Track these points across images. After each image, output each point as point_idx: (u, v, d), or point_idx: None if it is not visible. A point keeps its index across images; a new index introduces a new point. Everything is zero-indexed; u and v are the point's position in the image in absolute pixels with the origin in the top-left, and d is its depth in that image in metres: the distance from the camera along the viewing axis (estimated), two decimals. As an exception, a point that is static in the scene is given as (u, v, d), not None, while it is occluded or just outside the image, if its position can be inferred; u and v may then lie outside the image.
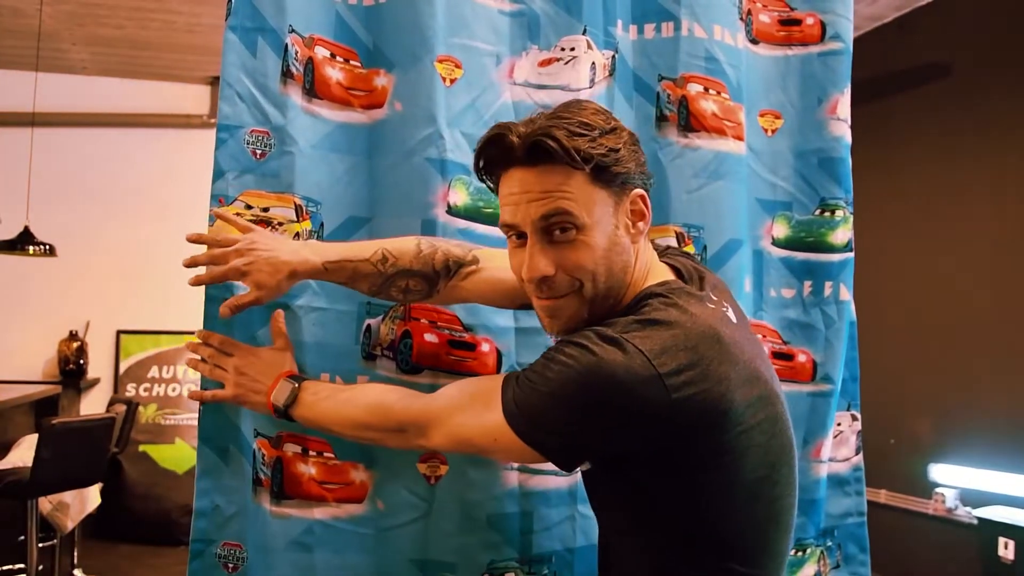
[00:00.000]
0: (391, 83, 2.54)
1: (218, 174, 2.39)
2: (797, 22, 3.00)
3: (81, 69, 9.12)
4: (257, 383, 2.23)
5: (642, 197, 1.88)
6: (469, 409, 1.90)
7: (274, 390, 2.19)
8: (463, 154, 2.50)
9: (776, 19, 3.01)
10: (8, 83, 8.86)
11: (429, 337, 2.45)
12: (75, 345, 8.90)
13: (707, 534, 1.79)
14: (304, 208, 2.41)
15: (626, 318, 1.76)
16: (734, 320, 1.87)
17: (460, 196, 2.51)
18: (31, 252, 7.58)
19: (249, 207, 2.38)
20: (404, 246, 2.26)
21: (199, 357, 2.33)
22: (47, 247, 7.61)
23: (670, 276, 1.95)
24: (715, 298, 1.89)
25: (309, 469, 2.39)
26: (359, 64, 2.56)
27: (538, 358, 1.81)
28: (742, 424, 1.71)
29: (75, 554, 6.95)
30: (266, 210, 2.40)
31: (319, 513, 2.38)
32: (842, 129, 2.96)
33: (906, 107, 7.21)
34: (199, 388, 2.34)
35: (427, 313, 2.48)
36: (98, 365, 9.22)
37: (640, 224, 1.89)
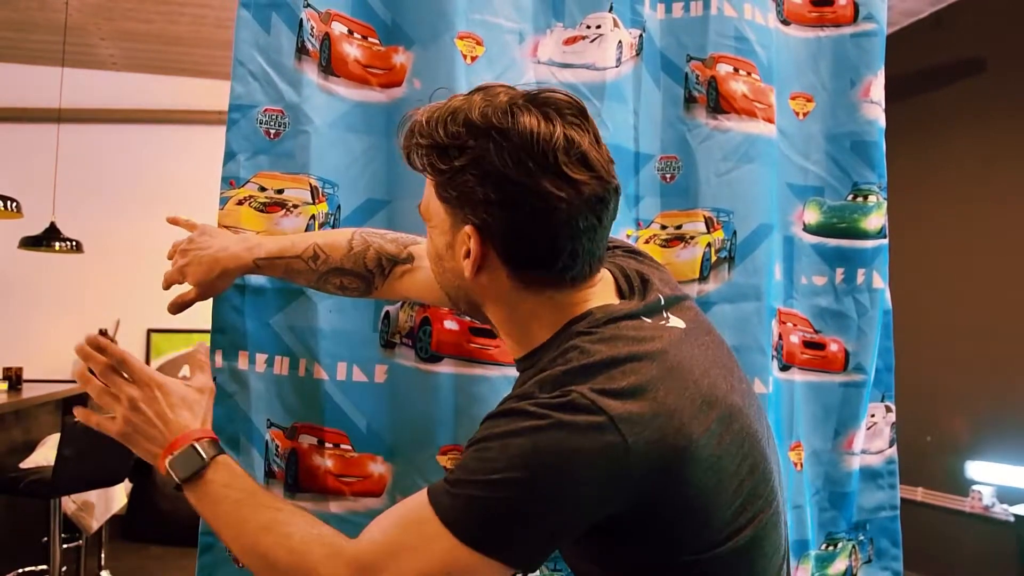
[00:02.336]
0: (410, 61, 2.49)
1: (229, 156, 2.35)
2: (829, 2, 2.94)
3: (110, 65, 9.13)
4: (154, 428, 1.81)
5: (471, 235, 1.61)
6: (408, 546, 1.51)
7: (174, 452, 1.77)
8: None
9: (808, 0, 2.94)
10: (34, 78, 8.88)
11: (449, 324, 2.39)
12: (104, 344, 8.88)
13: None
14: (320, 190, 2.35)
15: (568, 367, 1.53)
16: (681, 325, 1.68)
17: None
18: (57, 248, 7.57)
19: (263, 189, 2.34)
20: (337, 242, 2.14)
21: (88, 369, 1.90)
22: (74, 243, 7.61)
23: (599, 300, 1.68)
24: (661, 303, 1.71)
25: (326, 462, 2.33)
26: (377, 41, 2.51)
27: (465, 454, 1.54)
28: (707, 458, 1.50)
29: (102, 555, 6.92)
30: (280, 192, 2.35)
31: (335, 507, 2.32)
32: (875, 112, 2.88)
33: (942, 103, 7.14)
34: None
35: None
36: (127, 364, 9.20)
37: (466, 262, 1.65)
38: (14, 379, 7.12)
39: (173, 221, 2.31)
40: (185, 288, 2.23)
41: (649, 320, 1.64)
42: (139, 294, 9.06)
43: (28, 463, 6.05)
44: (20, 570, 6.42)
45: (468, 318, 2.37)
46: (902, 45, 6.76)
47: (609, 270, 1.77)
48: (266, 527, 1.65)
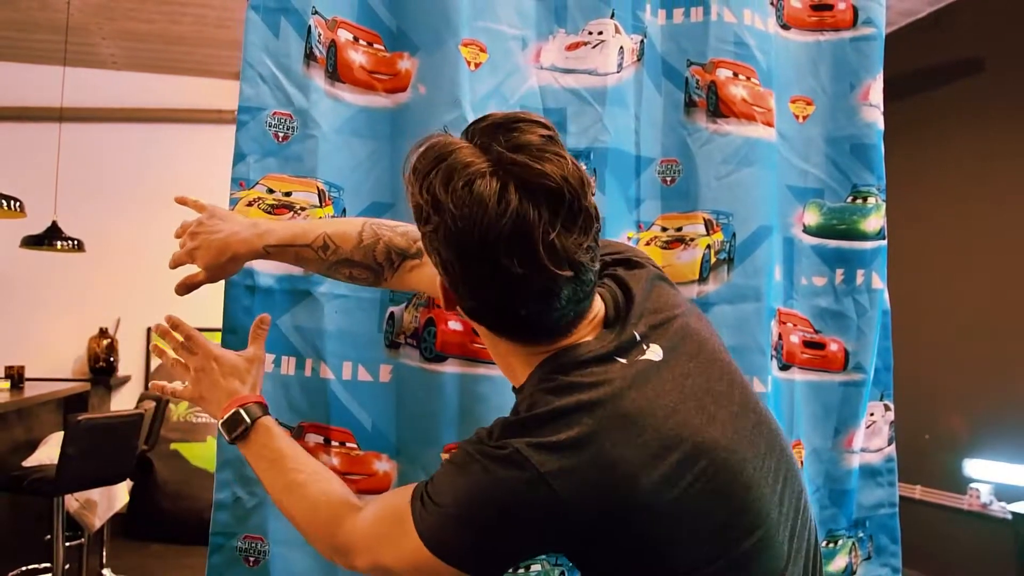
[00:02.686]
0: (415, 67, 2.52)
1: (239, 157, 2.39)
2: (829, 7, 2.96)
3: (112, 64, 9.14)
4: (213, 392, 2.11)
5: (441, 284, 1.71)
6: (387, 537, 1.74)
7: (224, 415, 2.05)
8: None
9: (808, 4, 2.98)
10: (36, 77, 8.89)
11: (453, 325, 2.42)
12: (105, 342, 8.91)
13: None
14: (327, 193, 2.39)
15: (515, 416, 1.65)
16: (657, 358, 1.69)
17: None
18: (59, 247, 7.59)
19: (271, 191, 2.38)
20: (347, 233, 2.17)
21: (165, 346, 2.22)
22: (75, 242, 7.62)
23: (577, 338, 1.71)
24: (636, 339, 1.71)
25: (331, 460, 2.36)
26: (383, 47, 2.54)
27: (440, 466, 1.73)
28: (663, 503, 1.54)
29: (104, 554, 6.94)
30: (288, 194, 2.39)
31: None
32: (874, 115, 2.92)
33: (941, 103, 7.15)
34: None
35: None
36: (129, 362, 9.24)
37: (441, 298, 1.77)
38: (16, 378, 7.13)
39: (181, 201, 2.33)
40: (193, 269, 2.24)
41: (621, 360, 1.66)
42: (140, 293, 9.09)
43: (31, 461, 6.05)
44: (23, 568, 6.44)
45: None
46: (901, 45, 6.77)
47: (601, 295, 1.78)
48: (288, 488, 1.94)
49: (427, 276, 2.08)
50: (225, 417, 2.04)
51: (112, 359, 8.93)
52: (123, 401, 9.11)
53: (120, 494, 6.64)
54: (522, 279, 1.52)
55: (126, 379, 9.25)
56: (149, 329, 9.32)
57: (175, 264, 2.22)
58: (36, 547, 6.52)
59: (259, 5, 2.39)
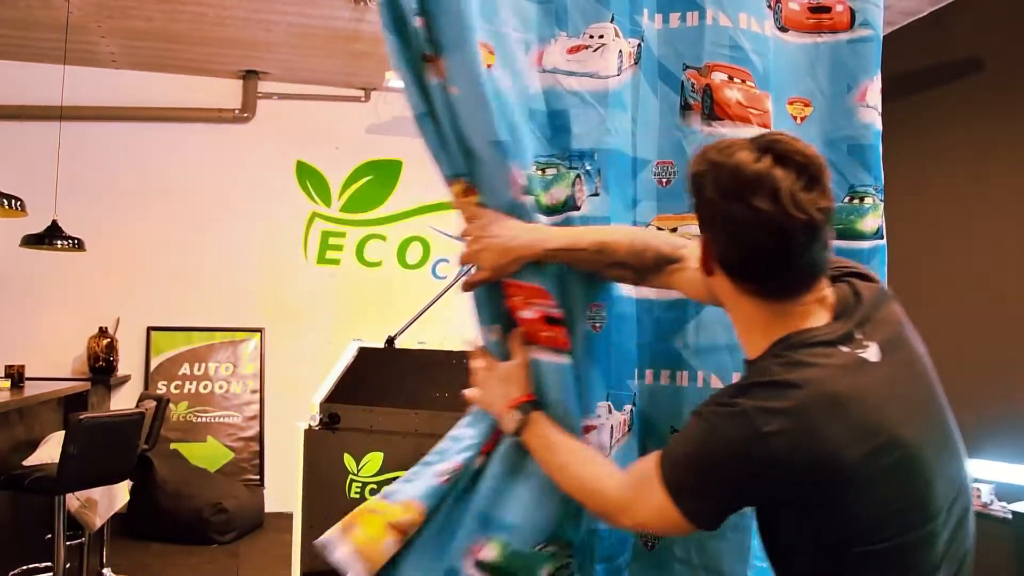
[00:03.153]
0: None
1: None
2: (827, 9, 2.96)
3: (110, 62, 9.17)
4: (492, 395, 2.48)
5: (702, 244, 2.08)
6: (641, 496, 2.06)
7: (503, 416, 2.42)
8: None
9: (806, 6, 2.97)
10: (36, 76, 8.94)
11: (525, 314, 2.49)
12: (105, 342, 8.93)
13: None
14: None
15: (747, 380, 1.99)
16: (873, 359, 1.95)
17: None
18: (59, 246, 7.61)
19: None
20: (620, 242, 2.45)
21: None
22: (75, 241, 7.64)
23: (810, 320, 2.01)
24: (858, 336, 1.97)
25: None
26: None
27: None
28: (856, 480, 1.83)
29: (104, 553, 6.94)
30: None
31: None
32: (872, 116, 2.91)
33: (940, 102, 7.15)
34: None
35: (520, 290, 2.50)
36: (128, 362, 9.27)
37: (699, 263, 2.11)
38: (16, 377, 7.13)
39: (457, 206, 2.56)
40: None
41: (844, 348, 1.94)
42: (140, 292, 9.13)
43: (31, 460, 6.07)
44: (23, 567, 6.44)
45: None
46: (901, 44, 6.77)
47: (835, 290, 2.08)
48: (560, 467, 2.30)
49: (684, 278, 2.42)
50: (504, 417, 2.42)
51: (112, 358, 8.95)
52: (123, 401, 9.14)
53: (121, 493, 6.64)
54: (768, 219, 1.86)
55: (126, 378, 9.27)
56: (149, 328, 9.35)
57: (465, 262, 2.51)
58: (37, 546, 6.52)
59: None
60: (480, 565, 2.40)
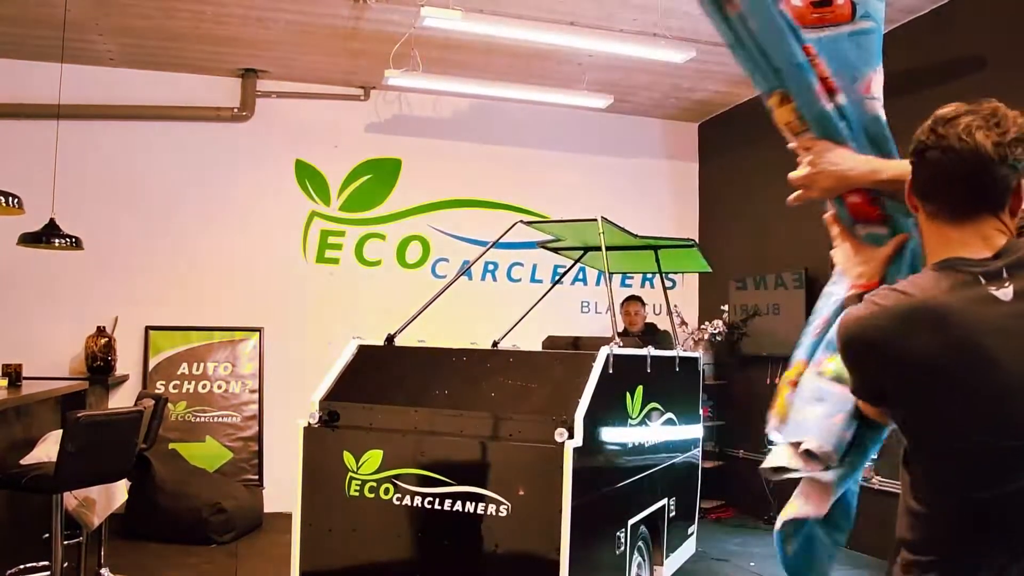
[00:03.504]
0: None
1: None
2: (829, 2, 2.94)
3: (108, 60, 9.14)
4: (848, 264, 2.70)
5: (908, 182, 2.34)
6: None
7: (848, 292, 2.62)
8: None
9: (808, 2, 2.95)
10: (33, 74, 8.92)
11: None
12: (103, 341, 8.90)
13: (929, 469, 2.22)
14: None
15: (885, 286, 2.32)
16: (1005, 298, 2.12)
17: None
18: (57, 245, 7.57)
19: None
20: None
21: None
22: (73, 240, 7.58)
23: (967, 252, 2.20)
24: (1004, 276, 2.14)
25: None
26: None
27: None
28: (924, 380, 2.14)
29: (102, 552, 6.90)
30: None
31: None
32: (877, 108, 2.89)
33: (940, 100, 7.07)
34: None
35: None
36: (127, 362, 9.25)
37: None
38: (14, 376, 7.11)
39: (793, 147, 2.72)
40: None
41: (982, 279, 2.14)
42: (138, 291, 9.10)
43: (29, 459, 6.04)
44: (21, 566, 6.42)
45: None
46: (902, 42, 6.76)
47: (1008, 240, 2.23)
48: None
49: None
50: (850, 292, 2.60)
51: (110, 358, 8.92)
52: (121, 400, 9.11)
53: (119, 492, 6.61)
54: (940, 140, 2.17)
55: (124, 378, 9.25)
56: (147, 328, 9.32)
57: (796, 182, 2.66)
58: (34, 545, 6.51)
59: None
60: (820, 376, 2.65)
